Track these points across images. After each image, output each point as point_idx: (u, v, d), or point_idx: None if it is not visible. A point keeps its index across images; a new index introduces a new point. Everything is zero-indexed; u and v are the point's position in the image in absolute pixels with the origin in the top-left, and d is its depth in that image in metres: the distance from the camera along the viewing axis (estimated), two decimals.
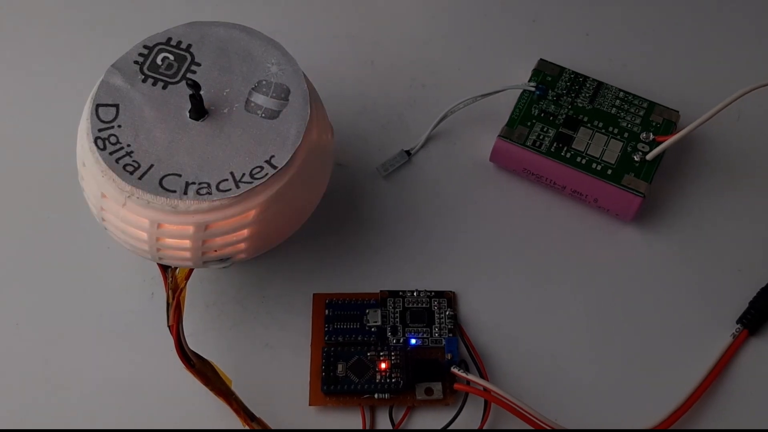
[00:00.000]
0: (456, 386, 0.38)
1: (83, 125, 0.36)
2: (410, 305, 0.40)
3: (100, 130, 0.35)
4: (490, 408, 0.37)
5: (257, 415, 0.37)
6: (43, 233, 0.42)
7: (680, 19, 0.49)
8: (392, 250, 0.42)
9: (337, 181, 0.43)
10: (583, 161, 0.42)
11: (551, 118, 0.43)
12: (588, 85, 0.44)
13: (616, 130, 0.43)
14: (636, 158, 0.42)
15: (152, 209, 0.34)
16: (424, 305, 0.40)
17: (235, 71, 0.37)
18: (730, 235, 0.42)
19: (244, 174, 0.35)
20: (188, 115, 0.36)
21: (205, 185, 0.34)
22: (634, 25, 0.49)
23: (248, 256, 0.37)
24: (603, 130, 0.43)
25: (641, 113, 0.43)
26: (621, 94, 0.44)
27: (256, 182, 0.34)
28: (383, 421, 0.38)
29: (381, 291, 0.40)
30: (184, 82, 0.36)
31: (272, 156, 0.35)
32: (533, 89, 0.44)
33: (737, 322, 0.40)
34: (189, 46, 0.38)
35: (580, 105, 0.43)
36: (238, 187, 0.34)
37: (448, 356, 0.39)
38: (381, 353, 0.38)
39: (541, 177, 0.42)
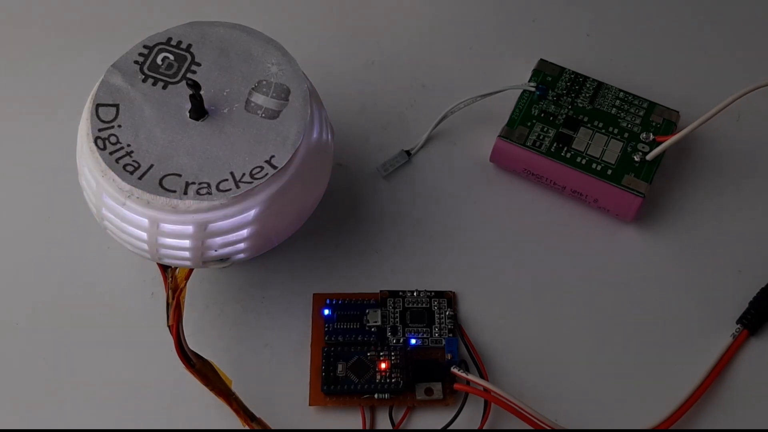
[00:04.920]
0: (456, 386, 0.38)
1: (83, 125, 0.36)
2: (410, 305, 0.40)
3: (100, 130, 0.35)
4: (490, 408, 0.37)
5: (257, 415, 0.37)
6: (44, 233, 0.42)
7: (680, 19, 0.49)
8: (392, 250, 0.42)
9: (337, 181, 0.43)
10: (584, 161, 0.42)
11: (551, 118, 0.43)
12: (588, 86, 0.44)
13: (616, 131, 0.43)
14: (636, 158, 0.42)
15: (152, 209, 0.34)
16: (424, 305, 0.40)
17: (235, 71, 0.37)
18: (730, 235, 0.42)
19: (244, 174, 0.35)
20: (188, 115, 0.36)
21: (205, 185, 0.34)
22: (635, 25, 0.49)
23: (248, 256, 0.37)
24: (603, 131, 0.43)
25: (641, 113, 0.43)
26: (621, 95, 0.44)
27: (256, 182, 0.34)
28: (383, 422, 0.38)
29: (381, 291, 0.40)
30: (184, 82, 0.36)
31: (272, 156, 0.35)
32: (533, 89, 0.44)
33: (737, 322, 0.40)
34: (189, 46, 0.38)
35: (581, 105, 0.43)
36: (238, 187, 0.34)
37: (448, 356, 0.39)
38: (381, 353, 0.38)
39: (541, 177, 0.42)
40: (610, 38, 0.48)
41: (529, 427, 0.36)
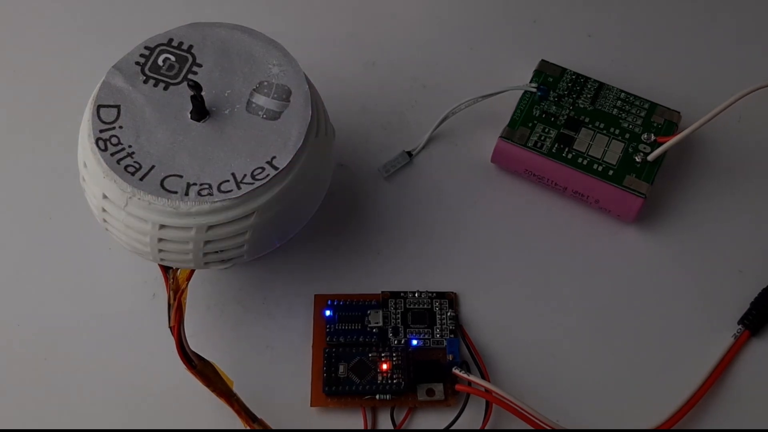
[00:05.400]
0: (457, 387, 0.38)
1: (84, 126, 0.36)
2: (412, 306, 0.40)
3: (101, 131, 0.35)
4: (492, 409, 0.37)
5: (258, 416, 0.37)
6: (45, 234, 0.42)
7: (681, 20, 0.49)
8: (394, 251, 0.42)
9: (339, 182, 0.43)
10: (585, 162, 0.42)
11: (552, 119, 0.43)
12: (589, 86, 0.44)
13: (617, 131, 0.43)
14: (637, 159, 0.42)
15: (153, 210, 0.34)
16: (425, 306, 0.40)
17: (237, 72, 0.37)
18: (731, 235, 0.42)
19: (245, 175, 0.35)
20: (189, 116, 0.36)
21: (207, 186, 0.34)
22: (636, 26, 0.49)
23: (249, 257, 0.37)
24: (604, 131, 0.43)
25: (642, 114, 0.43)
26: (622, 95, 0.44)
27: (258, 183, 0.34)
28: (385, 422, 0.38)
29: (382, 292, 0.40)
30: (185, 83, 0.36)
31: (273, 157, 0.35)
32: (535, 90, 0.44)
33: (738, 323, 0.40)
34: (190, 47, 0.38)
35: (582, 106, 0.43)
36: (239, 188, 0.34)
37: (450, 357, 0.39)
38: (382, 354, 0.38)
39: (542, 178, 0.42)
40: (612, 39, 0.48)
41: (531, 428, 0.36)
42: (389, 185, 0.44)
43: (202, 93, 0.36)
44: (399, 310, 0.40)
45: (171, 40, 0.38)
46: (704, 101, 0.42)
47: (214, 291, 0.41)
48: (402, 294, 0.40)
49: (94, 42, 0.48)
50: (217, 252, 0.35)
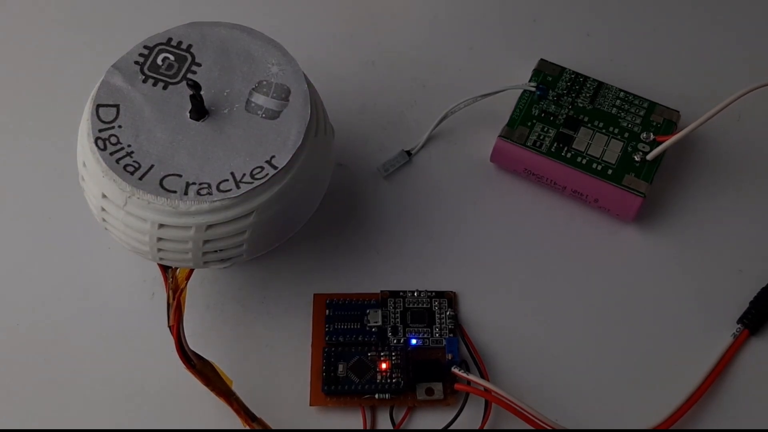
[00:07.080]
0: (457, 386, 0.38)
1: (84, 126, 0.36)
2: (411, 305, 0.40)
3: (100, 131, 0.35)
4: (491, 408, 0.37)
5: (258, 415, 0.37)
6: (44, 234, 0.42)
7: (681, 19, 0.49)
8: (393, 251, 0.42)
9: (338, 182, 0.43)
10: (584, 161, 0.42)
11: (552, 118, 0.43)
12: (588, 85, 0.44)
13: (616, 130, 0.43)
14: (636, 158, 0.42)
15: (153, 210, 0.34)
16: (424, 305, 0.40)
17: (236, 71, 0.37)
18: (730, 234, 0.42)
19: (244, 174, 0.35)
20: (189, 115, 0.36)
21: (206, 185, 0.34)
22: (635, 25, 0.49)
23: (249, 256, 0.37)
24: (603, 130, 0.43)
25: (642, 113, 0.43)
26: (621, 94, 0.44)
27: (257, 182, 0.34)
28: (384, 422, 0.38)
29: (381, 291, 0.40)
30: (184, 82, 0.36)
31: (273, 156, 0.35)
32: (534, 89, 0.44)
33: (738, 322, 0.40)
34: (189, 46, 0.38)
35: (581, 105, 0.43)
36: (238, 187, 0.34)
37: (449, 356, 0.39)
38: (382, 353, 0.38)
39: (541, 177, 0.42)
40: (611, 38, 0.48)
41: (530, 427, 0.36)
42: (388, 184, 0.44)
43: (201, 92, 0.36)
44: (398, 310, 0.40)
45: (170, 39, 0.38)
46: (703, 100, 0.42)
47: (213, 290, 0.41)
48: (401, 293, 0.40)
49: (93, 41, 0.48)
50: (216, 251, 0.35)
